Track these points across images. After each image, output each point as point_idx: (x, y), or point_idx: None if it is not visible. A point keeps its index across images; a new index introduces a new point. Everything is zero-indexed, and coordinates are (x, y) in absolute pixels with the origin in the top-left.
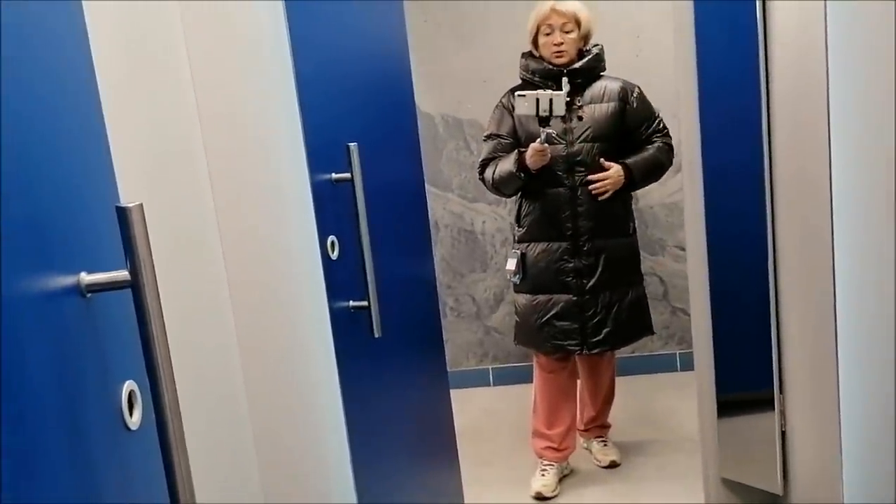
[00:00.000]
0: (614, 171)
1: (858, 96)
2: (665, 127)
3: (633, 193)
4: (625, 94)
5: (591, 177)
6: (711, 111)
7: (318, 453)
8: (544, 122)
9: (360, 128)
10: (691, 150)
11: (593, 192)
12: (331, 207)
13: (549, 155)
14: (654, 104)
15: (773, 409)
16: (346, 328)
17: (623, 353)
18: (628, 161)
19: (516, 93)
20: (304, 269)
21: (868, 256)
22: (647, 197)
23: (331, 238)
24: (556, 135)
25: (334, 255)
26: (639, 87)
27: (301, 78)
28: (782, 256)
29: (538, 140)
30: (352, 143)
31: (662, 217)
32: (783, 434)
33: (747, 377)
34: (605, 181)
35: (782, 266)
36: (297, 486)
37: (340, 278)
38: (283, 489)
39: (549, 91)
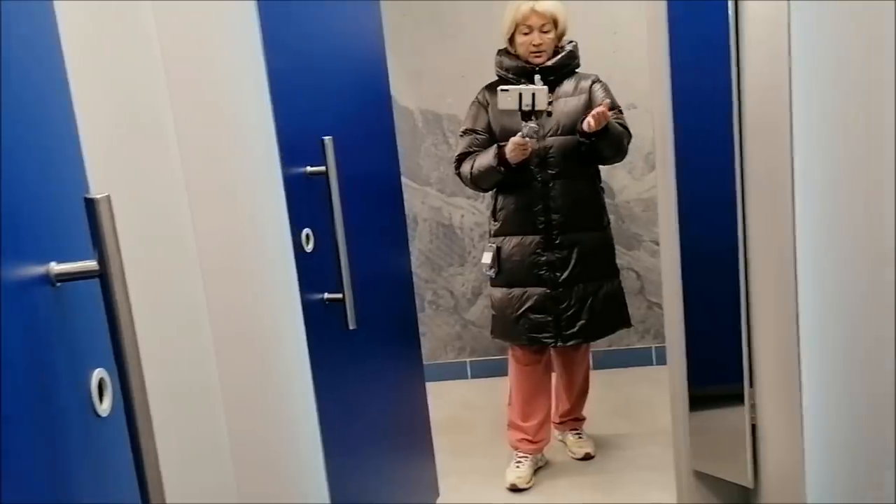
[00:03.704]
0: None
1: (822, 96)
2: (625, 122)
3: (606, 187)
4: (592, 86)
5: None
6: (684, 109)
7: (292, 444)
8: (527, 116)
9: (335, 121)
10: (664, 146)
11: (595, 119)
12: (305, 200)
13: (530, 149)
14: (631, 100)
15: (744, 403)
16: (321, 320)
17: (599, 346)
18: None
19: (499, 87)
20: (277, 262)
21: (829, 252)
22: (624, 192)
23: (305, 231)
24: (534, 129)
25: (309, 248)
26: (606, 84)
27: (273, 72)
28: (753, 252)
29: (519, 134)
30: (326, 137)
31: (639, 212)
32: (753, 427)
33: (719, 371)
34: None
35: (753, 262)
36: (270, 477)
37: (315, 271)
38: (256, 479)
39: (532, 86)
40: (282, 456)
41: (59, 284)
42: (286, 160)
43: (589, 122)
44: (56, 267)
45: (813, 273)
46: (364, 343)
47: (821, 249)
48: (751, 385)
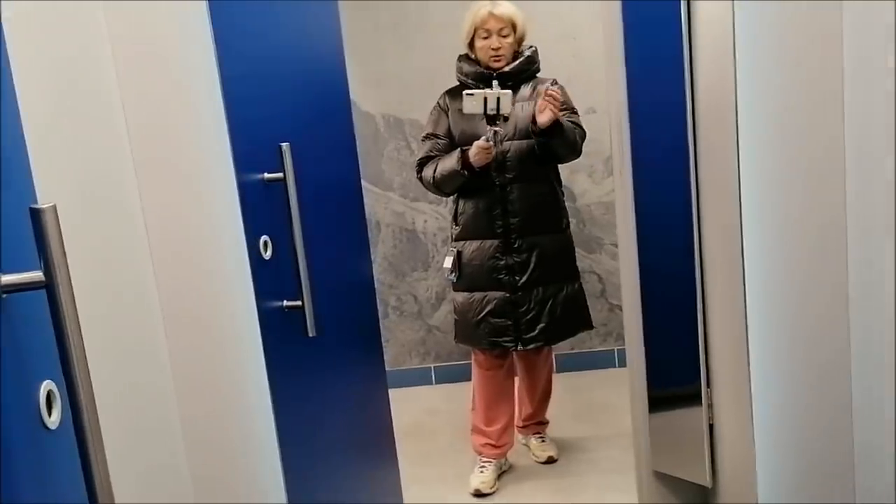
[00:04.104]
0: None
1: (766, 97)
2: (578, 121)
3: (567, 191)
4: (549, 89)
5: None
6: (641, 112)
7: (250, 454)
8: (491, 120)
9: (293, 127)
10: (621, 149)
11: (547, 97)
12: (264, 207)
13: (493, 152)
14: (590, 105)
15: (702, 403)
16: (280, 328)
17: (562, 349)
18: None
19: (464, 92)
20: (235, 269)
21: (774, 253)
22: (585, 196)
23: (263, 238)
24: (499, 133)
25: (267, 255)
26: (563, 87)
27: (226, 78)
28: (707, 254)
29: (483, 138)
30: (284, 144)
31: (599, 215)
32: (711, 427)
33: (678, 372)
34: (556, 100)
35: (707, 264)
36: (228, 487)
37: (274, 278)
38: (213, 491)
39: (497, 90)
40: (240, 466)
41: (4, 296)
42: (241, 167)
43: (551, 110)
44: (2, 278)
45: (760, 273)
46: (324, 350)
47: (766, 251)
48: (708, 385)
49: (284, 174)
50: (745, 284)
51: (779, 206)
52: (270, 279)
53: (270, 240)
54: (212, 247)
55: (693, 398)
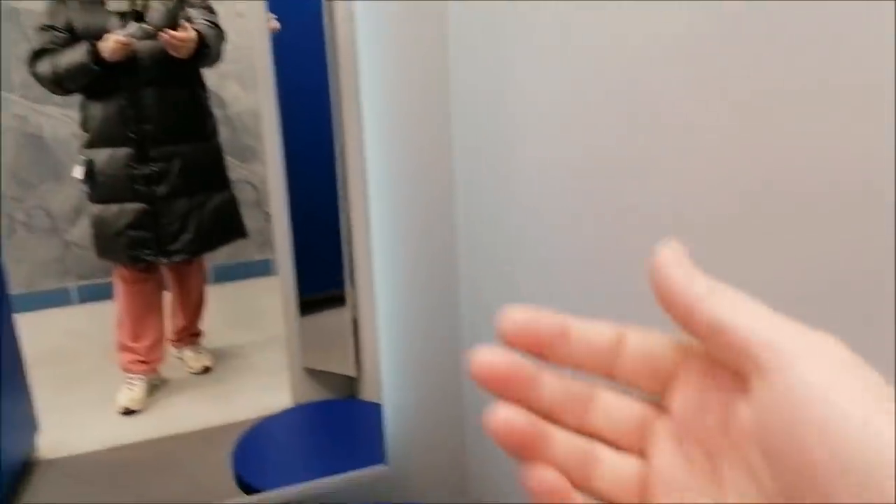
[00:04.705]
0: (194, 34)
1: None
2: (216, 20)
3: (216, 97)
4: None
5: (171, 33)
6: (282, 20)
7: None
8: (140, 17)
9: None
10: (263, 61)
11: (169, 43)
12: None
13: (132, 48)
14: (238, 9)
15: (347, 303)
16: None
17: (219, 260)
18: (200, 29)
19: None
20: None
21: (392, 166)
22: (236, 104)
23: None
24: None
25: None
26: None
27: None
28: (348, 163)
29: (122, 33)
30: None
31: (252, 125)
32: (356, 323)
33: (325, 276)
34: (187, 38)
35: (349, 173)
36: None
37: None
38: None
39: None
40: None
41: None
42: None
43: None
44: None
45: (382, 180)
46: None
47: (386, 160)
48: (352, 285)
49: None
50: (368, 191)
51: (393, 124)
52: None
53: None
54: None
55: (341, 300)
